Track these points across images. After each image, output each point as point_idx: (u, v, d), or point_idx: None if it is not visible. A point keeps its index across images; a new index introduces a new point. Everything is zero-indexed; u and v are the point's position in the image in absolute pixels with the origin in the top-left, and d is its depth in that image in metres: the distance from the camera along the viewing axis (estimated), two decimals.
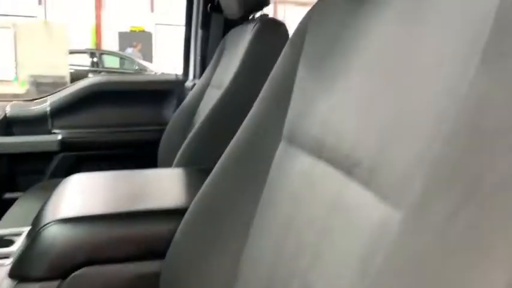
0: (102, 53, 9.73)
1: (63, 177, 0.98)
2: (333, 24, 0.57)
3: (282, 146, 0.63)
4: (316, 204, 0.49)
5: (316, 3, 0.65)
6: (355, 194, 0.43)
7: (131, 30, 12.84)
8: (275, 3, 12.79)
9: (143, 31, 12.93)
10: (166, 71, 8.64)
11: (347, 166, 0.46)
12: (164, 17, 12.54)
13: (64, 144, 1.62)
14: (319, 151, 0.52)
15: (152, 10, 13.33)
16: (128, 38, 12.02)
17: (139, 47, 11.14)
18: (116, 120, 1.75)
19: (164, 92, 1.80)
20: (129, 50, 10.87)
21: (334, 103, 0.52)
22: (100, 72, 9.00)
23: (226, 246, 0.67)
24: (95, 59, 9.24)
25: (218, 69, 1.51)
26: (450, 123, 0.32)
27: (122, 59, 9.73)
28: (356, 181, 0.44)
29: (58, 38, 7.20)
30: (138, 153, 1.72)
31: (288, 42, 0.69)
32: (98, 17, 12.89)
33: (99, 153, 1.71)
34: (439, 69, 0.35)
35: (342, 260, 0.41)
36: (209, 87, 1.52)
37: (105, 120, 1.74)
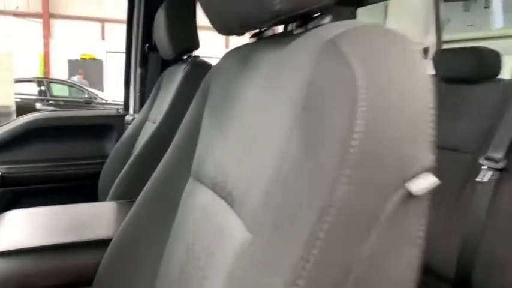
0: (51, 81, 9.52)
1: (3, 212, 1.03)
2: (226, 81, 0.70)
3: (189, 182, 0.74)
4: (209, 234, 0.60)
5: (219, 62, 0.77)
6: (233, 223, 0.54)
7: (81, 58, 12.67)
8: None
9: (94, 59, 12.80)
10: (117, 99, 8.58)
11: (230, 201, 0.57)
12: (115, 44, 12.49)
13: (3, 180, 1.64)
14: (214, 188, 0.64)
15: (103, 38, 13.26)
16: (78, 66, 11.84)
17: (83, 74, 11.02)
18: (56, 154, 1.79)
19: (105, 126, 1.87)
20: (75, 78, 10.72)
21: (222, 148, 0.63)
22: (48, 101, 8.81)
23: (144, 272, 0.76)
24: (43, 88, 9.03)
25: (155, 105, 1.61)
26: (276, 175, 0.44)
27: (71, 87, 9.57)
28: (235, 213, 0.55)
29: (3, 66, 7.03)
30: (79, 187, 1.77)
31: (198, 92, 0.81)
32: (47, 45, 12.65)
33: (40, 187, 1.75)
34: (276, 131, 0.47)
35: (218, 280, 0.52)
36: (147, 122, 1.61)
37: (46, 155, 1.78)
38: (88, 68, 11.91)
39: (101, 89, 11.47)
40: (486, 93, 1.26)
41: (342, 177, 0.36)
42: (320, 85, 0.41)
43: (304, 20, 0.53)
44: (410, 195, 0.38)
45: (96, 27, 13.21)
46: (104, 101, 9.13)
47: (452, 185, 1.25)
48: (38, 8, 12.45)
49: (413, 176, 0.38)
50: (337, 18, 1.76)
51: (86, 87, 9.72)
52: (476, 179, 1.13)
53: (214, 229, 0.58)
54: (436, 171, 1.19)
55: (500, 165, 1.09)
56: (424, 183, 0.38)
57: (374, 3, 1.98)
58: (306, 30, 0.53)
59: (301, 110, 0.43)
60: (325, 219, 0.36)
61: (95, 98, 9.26)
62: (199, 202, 0.67)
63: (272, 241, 0.40)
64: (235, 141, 0.60)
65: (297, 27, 0.55)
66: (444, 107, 1.39)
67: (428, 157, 0.39)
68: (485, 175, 1.11)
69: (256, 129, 0.54)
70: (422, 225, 0.40)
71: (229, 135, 0.62)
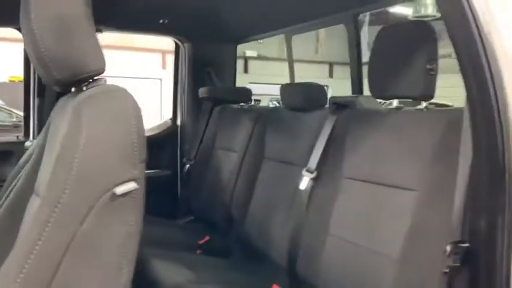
0: None
1: None
2: (56, 118, 0.94)
3: (32, 197, 0.96)
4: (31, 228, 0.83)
5: (56, 104, 1.01)
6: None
7: (10, 81, 12.28)
8: (163, 53, 13.22)
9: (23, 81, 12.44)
10: None
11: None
12: None
13: None
14: (38, 193, 0.87)
15: None
16: (6, 89, 11.48)
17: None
18: None
19: (5, 152, 2.03)
20: (1, 101, 10.41)
21: (48, 166, 0.87)
22: None
23: None
24: None
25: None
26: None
27: None
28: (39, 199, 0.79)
29: None
30: None
31: (46, 124, 1.04)
32: None
33: None
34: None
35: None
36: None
37: None
38: (18, 91, 11.57)
39: None
40: (313, 119, 1.60)
41: (67, 185, 0.61)
42: (67, 129, 0.67)
43: (86, 82, 0.79)
44: (116, 196, 0.64)
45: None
46: None
47: (288, 192, 1.55)
48: None
49: (119, 184, 0.64)
50: (220, 53, 2.15)
51: (15, 111, 9.47)
52: (299, 187, 1.43)
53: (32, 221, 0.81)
54: (276, 181, 1.55)
55: (313, 175, 1.40)
56: (126, 188, 0.64)
57: (252, 41, 2.30)
58: (87, 89, 0.78)
59: (61, 145, 0.68)
60: (55, 210, 0.60)
61: None
62: (33, 211, 0.90)
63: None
64: (53, 160, 0.84)
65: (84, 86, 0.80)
66: (287, 130, 1.71)
67: (132, 172, 0.65)
68: (304, 183, 1.42)
69: (58, 151, 0.79)
70: (134, 214, 0.66)
71: (51, 157, 0.86)
